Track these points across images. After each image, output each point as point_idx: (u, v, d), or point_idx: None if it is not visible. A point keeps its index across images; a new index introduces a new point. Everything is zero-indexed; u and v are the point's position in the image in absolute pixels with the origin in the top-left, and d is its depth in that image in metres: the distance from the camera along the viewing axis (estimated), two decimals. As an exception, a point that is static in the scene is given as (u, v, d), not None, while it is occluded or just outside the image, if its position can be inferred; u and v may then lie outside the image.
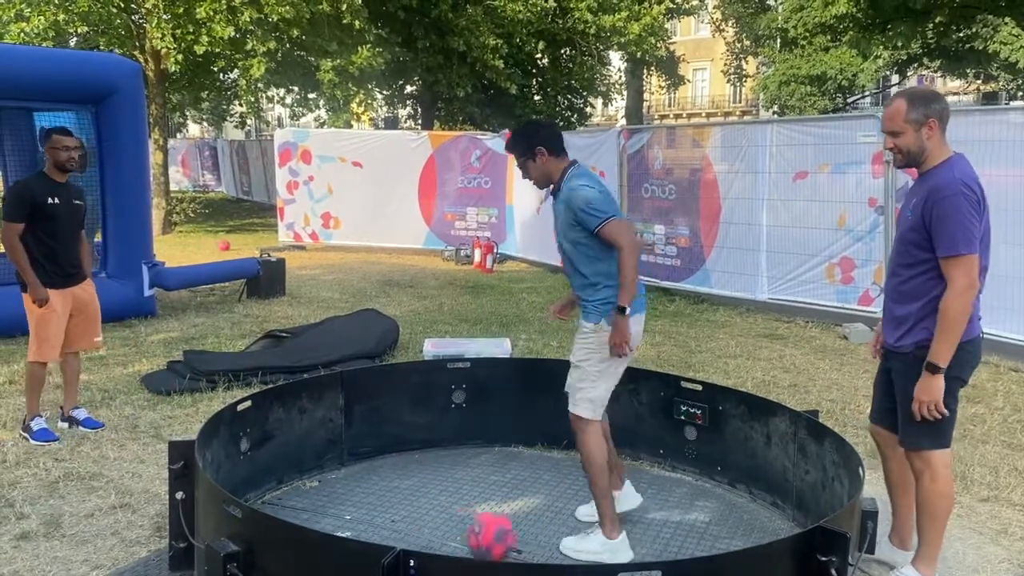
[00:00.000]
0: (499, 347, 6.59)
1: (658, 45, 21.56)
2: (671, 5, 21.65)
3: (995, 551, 3.77)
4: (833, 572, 2.64)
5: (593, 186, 3.62)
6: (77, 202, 5.16)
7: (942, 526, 3.35)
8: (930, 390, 3.15)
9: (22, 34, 14.14)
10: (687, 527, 4.02)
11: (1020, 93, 23.39)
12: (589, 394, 3.68)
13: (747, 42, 28.08)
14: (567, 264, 3.79)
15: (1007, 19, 17.90)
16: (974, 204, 3.08)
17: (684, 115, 47.12)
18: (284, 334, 7.24)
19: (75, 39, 17.49)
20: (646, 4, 20.64)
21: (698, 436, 4.56)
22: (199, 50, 14.66)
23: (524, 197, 12.91)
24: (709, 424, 4.49)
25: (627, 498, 4.03)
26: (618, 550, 3.62)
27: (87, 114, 8.18)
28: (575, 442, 3.76)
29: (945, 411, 3.17)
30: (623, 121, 32.04)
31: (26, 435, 5.00)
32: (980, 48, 18.73)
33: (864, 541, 3.24)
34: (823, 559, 2.67)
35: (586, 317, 3.69)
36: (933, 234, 3.11)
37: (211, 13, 14.18)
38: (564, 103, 23.69)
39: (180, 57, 14.88)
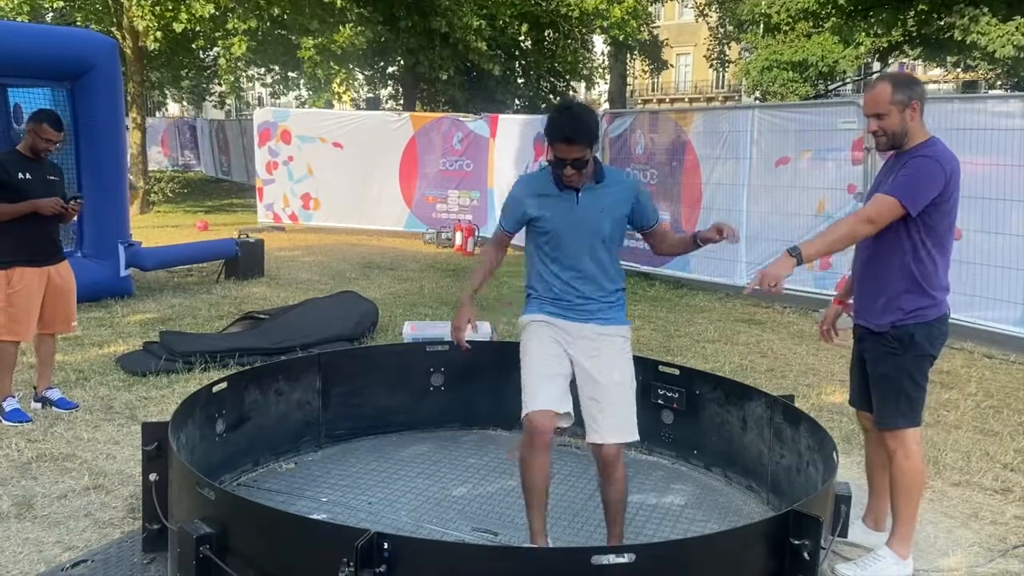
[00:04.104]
0: (480, 330, 6.57)
1: (640, 28, 21.48)
2: (654, -12, 21.60)
3: (966, 534, 3.82)
4: (805, 555, 2.66)
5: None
6: (52, 178, 5.06)
7: (916, 504, 3.41)
8: (779, 267, 3.11)
9: (-4, 9, 13.93)
10: (662, 510, 4.04)
11: (999, 82, 23.54)
12: (634, 409, 3.32)
13: (730, 27, 28.06)
14: (595, 265, 3.30)
15: (985, 9, 17.98)
16: (939, 179, 3.16)
17: (667, 100, 47.09)
18: (262, 315, 7.18)
19: (51, 14, 17.21)
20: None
21: (675, 420, 4.58)
22: (178, 28, 14.46)
23: (505, 180, 12.87)
24: (686, 408, 4.51)
25: None
26: None
27: (62, 91, 8.04)
28: (617, 477, 3.31)
29: (781, 289, 3.11)
30: (606, 105, 31.93)
31: None
32: (960, 38, 18.81)
33: (837, 525, 3.27)
34: (796, 543, 2.69)
35: (620, 320, 3.36)
36: (893, 180, 3.21)
37: (191, -10, 14.02)
38: (547, 87, 23.58)
39: (160, 35, 14.67)
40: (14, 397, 5.05)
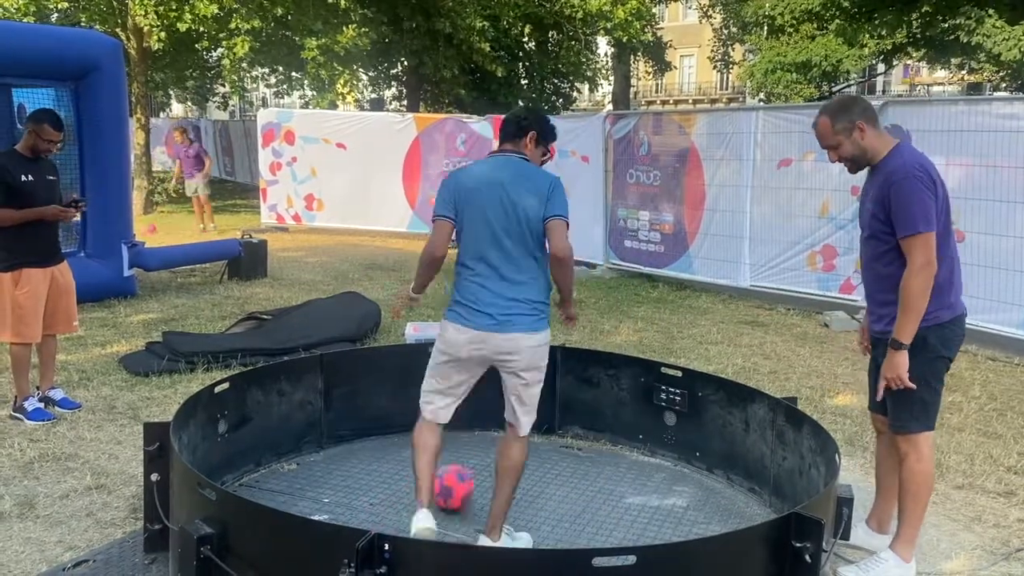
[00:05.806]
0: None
1: (644, 30, 21.47)
2: (658, -10, 21.60)
3: (969, 538, 3.81)
4: (807, 558, 2.66)
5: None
6: (51, 178, 5.06)
7: (924, 507, 3.41)
8: (894, 366, 3.22)
9: (1, 10, 13.95)
10: (664, 512, 4.04)
11: (1004, 84, 23.49)
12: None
13: (734, 29, 28.06)
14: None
15: (990, 11, 17.94)
16: (927, 184, 3.16)
17: (671, 101, 47.09)
18: (265, 316, 7.19)
19: (56, 15, 17.25)
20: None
21: (677, 422, 4.57)
22: (182, 28, 14.49)
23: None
24: (688, 410, 4.50)
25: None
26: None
27: (66, 91, 8.06)
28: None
29: (911, 384, 3.22)
30: (610, 106, 31.96)
31: (20, 416, 4.94)
32: (964, 40, 18.77)
33: (839, 527, 3.27)
34: (798, 545, 2.68)
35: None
36: (893, 217, 3.19)
37: (195, -10, 14.04)
38: (550, 88, 23.59)
39: (163, 35, 14.71)
40: (34, 397, 5.07)
